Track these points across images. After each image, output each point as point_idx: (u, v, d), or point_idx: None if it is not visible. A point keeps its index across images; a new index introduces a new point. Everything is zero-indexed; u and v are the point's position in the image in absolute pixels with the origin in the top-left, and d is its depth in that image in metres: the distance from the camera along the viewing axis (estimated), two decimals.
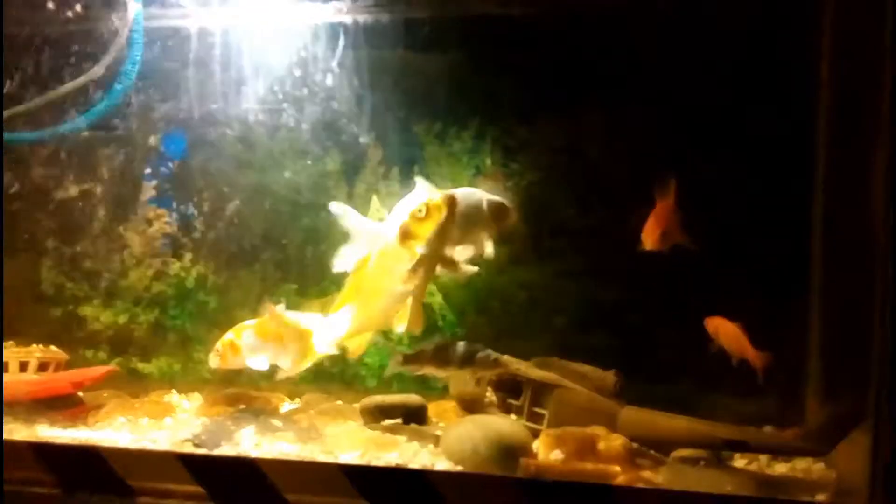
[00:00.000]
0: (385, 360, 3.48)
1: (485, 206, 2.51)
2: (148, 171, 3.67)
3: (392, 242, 2.46)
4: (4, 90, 3.35)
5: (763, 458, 2.73)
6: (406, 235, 2.43)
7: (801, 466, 2.68)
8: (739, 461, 2.73)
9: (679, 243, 2.82)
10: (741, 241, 3.03)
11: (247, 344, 2.92)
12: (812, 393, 2.96)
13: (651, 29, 3.11)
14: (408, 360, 2.75)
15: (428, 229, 2.42)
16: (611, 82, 3.20)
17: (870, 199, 2.39)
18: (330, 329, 2.68)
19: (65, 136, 3.46)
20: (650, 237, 2.84)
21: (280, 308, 2.87)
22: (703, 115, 3.07)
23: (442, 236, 2.43)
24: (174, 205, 3.68)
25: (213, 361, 2.97)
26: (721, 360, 2.81)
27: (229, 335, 2.95)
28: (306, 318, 2.85)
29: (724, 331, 2.83)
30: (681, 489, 2.43)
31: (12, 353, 3.25)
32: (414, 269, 2.44)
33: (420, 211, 2.41)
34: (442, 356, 2.72)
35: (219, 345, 2.96)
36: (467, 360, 2.70)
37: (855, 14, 2.69)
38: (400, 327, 2.62)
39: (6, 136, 3.31)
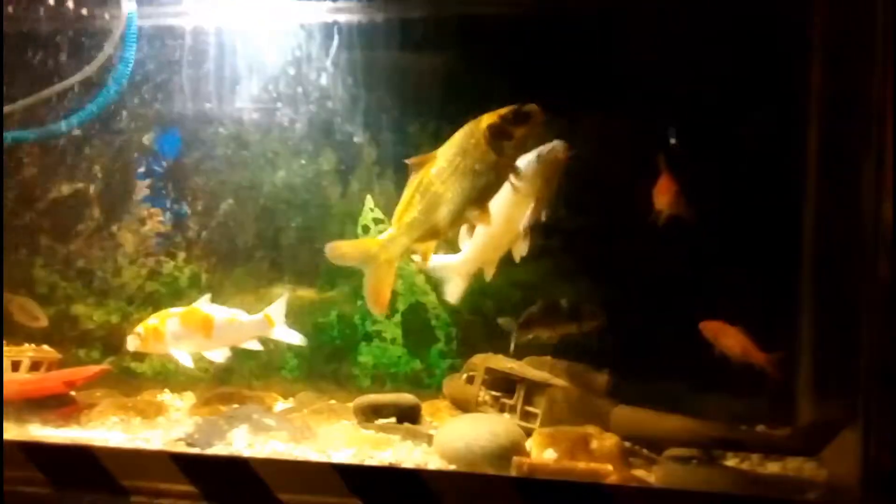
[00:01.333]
0: (380, 360, 3.50)
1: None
2: (142, 169, 3.66)
3: (472, 143, 2.40)
4: None
5: (755, 456, 2.73)
6: (498, 135, 2.36)
7: (793, 465, 2.69)
8: (731, 460, 2.73)
9: (682, 215, 2.82)
10: (733, 241, 3.04)
11: (172, 332, 2.95)
12: (803, 392, 2.97)
13: (645, 27, 3.11)
14: (521, 326, 2.81)
15: (520, 133, 2.37)
16: (605, 81, 3.20)
17: (860, 199, 2.40)
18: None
19: (57, 135, 3.44)
20: (665, 196, 2.82)
21: (205, 300, 2.99)
22: (695, 116, 3.08)
23: (523, 148, 2.43)
24: (168, 204, 3.67)
25: (132, 344, 2.98)
26: (715, 360, 2.81)
27: (153, 320, 2.96)
28: (229, 313, 2.99)
29: (725, 335, 2.78)
30: (673, 487, 2.45)
31: (5, 352, 3.24)
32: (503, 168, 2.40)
33: (510, 114, 2.36)
34: (551, 316, 2.77)
35: (140, 328, 2.97)
36: (574, 315, 2.74)
37: (847, 15, 2.70)
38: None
39: None
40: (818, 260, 2.95)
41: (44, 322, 3.38)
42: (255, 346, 3.08)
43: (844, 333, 2.52)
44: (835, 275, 2.74)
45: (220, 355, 3.03)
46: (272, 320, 3.04)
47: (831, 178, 2.84)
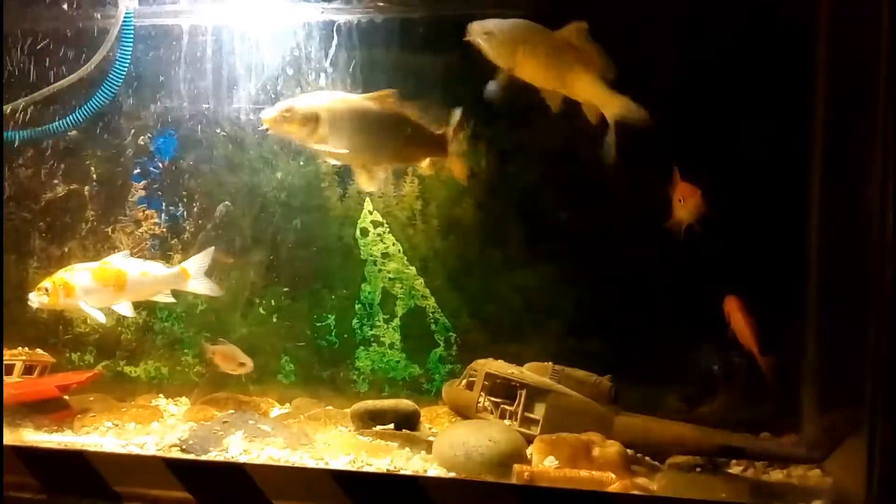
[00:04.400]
0: (378, 365, 3.47)
1: None
2: (137, 171, 3.63)
3: None
4: None
5: (759, 464, 2.72)
6: None
7: (797, 473, 2.68)
8: (735, 468, 2.72)
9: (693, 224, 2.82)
10: (738, 247, 3.02)
11: (82, 286, 2.90)
12: (808, 399, 2.95)
13: (647, 30, 3.09)
14: None
15: None
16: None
17: (866, 203, 2.38)
18: None
19: (52, 135, 3.42)
20: (689, 202, 2.80)
21: (122, 255, 3.00)
22: (701, 118, 3.06)
23: None
24: (163, 205, 3.64)
25: (38, 300, 2.92)
26: (719, 367, 2.81)
27: (64, 274, 2.92)
28: (142, 266, 3.01)
29: (737, 319, 2.78)
30: (676, 496, 2.43)
31: None
32: None
33: None
34: None
35: (48, 283, 2.91)
36: None
37: (851, 16, 2.69)
38: None
39: None
40: (824, 265, 2.93)
41: (250, 366, 3.26)
42: (168, 298, 3.09)
43: (850, 340, 2.50)
44: (841, 281, 2.72)
45: (126, 308, 3.01)
46: (188, 273, 3.04)
47: (837, 184, 2.82)
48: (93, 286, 2.93)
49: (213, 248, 3.16)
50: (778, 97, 3.01)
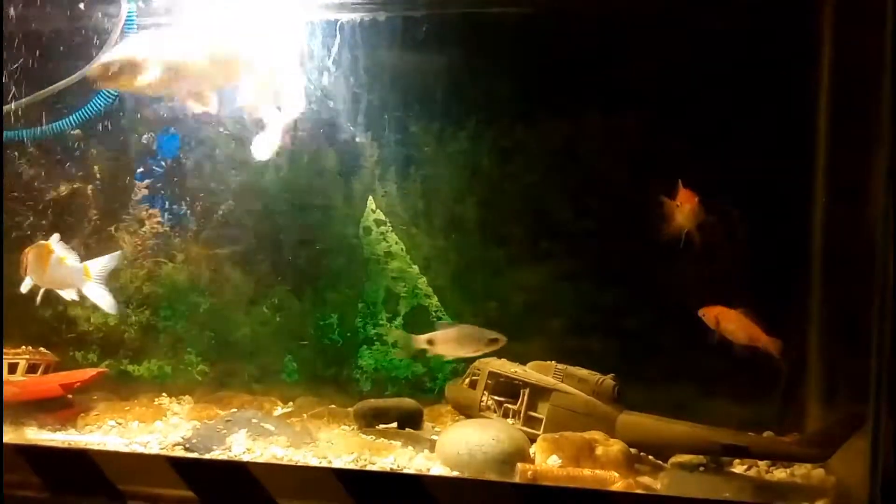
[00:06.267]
0: (381, 363, 3.48)
1: None
2: (140, 170, 3.63)
3: None
4: None
5: (762, 463, 2.71)
6: None
7: (801, 472, 2.67)
8: (738, 467, 2.71)
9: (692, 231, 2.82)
10: (740, 245, 3.01)
11: (29, 261, 2.89)
12: (812, 398, 2.95)
13: (649, 29, 3.09)
14: None
15: None
16: (608, 83, 3.18)
17: (869, 201, 2.38)
18: None
19: (55, 134, 3.42)
20: (688, 206, 2.80)
21: (54, 238, 2.89)
22: (703, 116, 3.05)
23: None
24: (167, 204, 3.64)
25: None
26: (720, 365, 2.80)
27: (31, 247, 2.91)
28: (64, 253, 2.88)
29: (728, 319, 2.76)
30: (679, 495, 2.43)
31: None
32: None
33: None
34: None
35: (27, 249, 2.91)
36: None
37: (855, 15, 2.68)
38: None
39: None
40: (827, 264, 2.92)
41: (503, 340, 2.95)
42: (72, 296, 2.96)
43: (854, 338, 2.50)
44: (844, 278, 2.72)
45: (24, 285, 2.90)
46: (88, 273, 2.90)
47: (841, 182, 2.81)
48: (33, 261, 2.87)
49: (119, 252, 3.07)
50: (780, 91, 3.01)
